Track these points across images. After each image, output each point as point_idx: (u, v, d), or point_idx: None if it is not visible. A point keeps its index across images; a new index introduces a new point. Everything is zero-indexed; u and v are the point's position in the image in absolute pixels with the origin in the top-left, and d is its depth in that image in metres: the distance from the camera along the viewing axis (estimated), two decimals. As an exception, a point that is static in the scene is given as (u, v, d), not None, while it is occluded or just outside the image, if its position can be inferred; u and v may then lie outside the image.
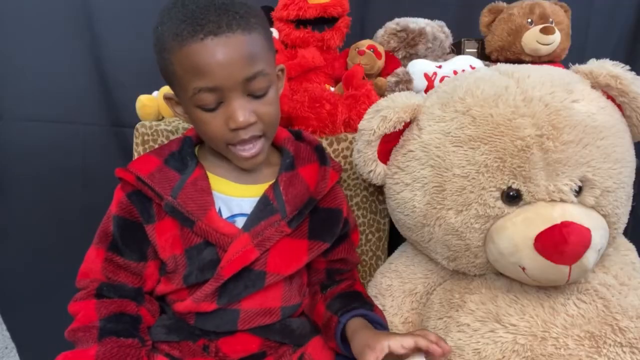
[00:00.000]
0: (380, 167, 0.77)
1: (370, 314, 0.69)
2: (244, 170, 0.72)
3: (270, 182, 0.72)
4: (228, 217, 0.70)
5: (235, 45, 0.61)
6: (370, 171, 0.77)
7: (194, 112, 0.65)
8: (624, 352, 0.62)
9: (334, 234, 0.75)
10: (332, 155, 0.90)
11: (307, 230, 0.72)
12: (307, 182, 0.73)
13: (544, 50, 1.04)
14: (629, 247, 0.79)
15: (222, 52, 0.60)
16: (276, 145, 0.77)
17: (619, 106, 0.70)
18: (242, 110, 0.63)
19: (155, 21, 0.64)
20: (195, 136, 0.75)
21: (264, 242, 0.68)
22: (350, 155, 0.88)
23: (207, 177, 0.71)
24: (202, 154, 0.75)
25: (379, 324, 0.68)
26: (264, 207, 0.70)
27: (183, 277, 0.69)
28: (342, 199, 0.77)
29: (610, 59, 0.71)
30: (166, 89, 0.76)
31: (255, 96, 0.65)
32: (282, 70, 0.73)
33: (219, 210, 0.70)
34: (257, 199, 0.71)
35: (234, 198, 0.71)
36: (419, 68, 1.02)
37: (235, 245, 0.67)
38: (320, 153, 0.77)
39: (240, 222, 0.70)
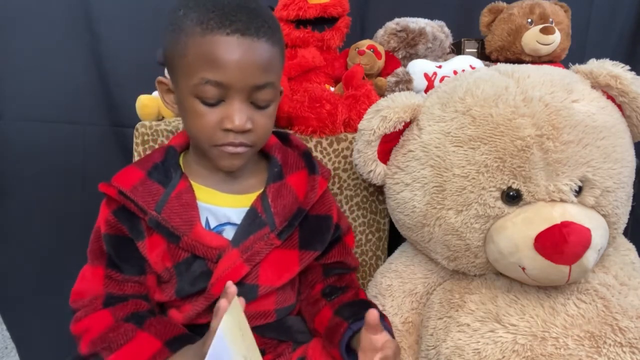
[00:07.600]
0: (380, 167, 0.77)
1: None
2: (230, 180, 0.71)
3: (258, 192, 0.71)
4: (215, 227, 0.69)
5: (258, 51, 0.61)
6: (370, 171, 0.77)
7: (190, 102, 0.63)
8: (624, 352, 0.62)
9: (325, 241, 0.74)
10: (332, 156, 0.90)
11: (297, 240, 0.71)
12: (295, 192, 0.72)
13: (544, 50, 1.04)
14: (629, 247, 0.79)
15: (243, 53, 0.60)
16: (263, 152, 0.75)
17: (619, 106, 0.70)
18: (241, 114, 0.62)
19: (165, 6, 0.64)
20: (179, 145, 0.73)
21: (253, 257, 0.67)
22: (350, 155, 0.88)
23: (192, 190, 0.69)
24: (186, 164, 0.73)
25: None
26: (252, 220, 0.69)
27: (175, 290, 0.68)
28: (332, 204, 0.76)
29: (610, 59, 0.71)
30: None
31: (257, 106, 0.64)
32: (281, 91, 0.72)
33: (206, 220, 0.69)
34: (244, 209, 0.69)
35: (221, 208, 0.70)
36: (419, 68, 1.02)
37: (224, 261, 0.66)
38: (308, 160, 0.76)
39: (228, 232, 0.69)
